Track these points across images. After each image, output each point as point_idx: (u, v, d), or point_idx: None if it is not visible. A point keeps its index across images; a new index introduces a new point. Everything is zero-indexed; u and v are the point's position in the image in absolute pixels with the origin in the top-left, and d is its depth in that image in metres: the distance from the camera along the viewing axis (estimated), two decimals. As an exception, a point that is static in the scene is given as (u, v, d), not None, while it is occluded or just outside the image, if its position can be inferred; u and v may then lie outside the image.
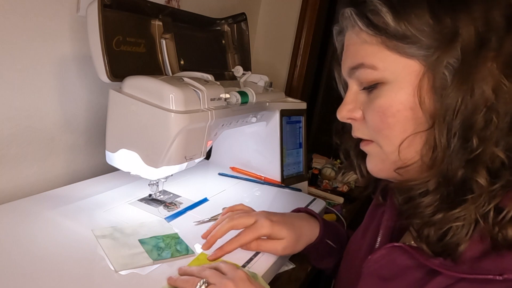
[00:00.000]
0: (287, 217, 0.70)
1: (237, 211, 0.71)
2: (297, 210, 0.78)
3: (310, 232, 0.70)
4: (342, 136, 0.60)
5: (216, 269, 0.57)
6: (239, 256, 0.65)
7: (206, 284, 0.53)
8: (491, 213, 0.42)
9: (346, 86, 0.54)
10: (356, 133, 0.52)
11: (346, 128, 0.58)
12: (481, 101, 0.41)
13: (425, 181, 0.44)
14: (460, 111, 0.41)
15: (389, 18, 0.44)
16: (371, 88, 0.48)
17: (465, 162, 0.42)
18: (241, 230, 0.67)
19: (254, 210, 0.73)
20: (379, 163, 0.51)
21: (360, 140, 0.54)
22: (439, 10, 0.43)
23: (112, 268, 0.57)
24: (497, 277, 0.40)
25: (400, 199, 0.50)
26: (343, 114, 0.52)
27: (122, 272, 0.57)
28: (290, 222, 0.68)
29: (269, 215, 0.68)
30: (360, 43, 0.47)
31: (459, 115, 0.41)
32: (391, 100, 0.46)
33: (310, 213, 0.75)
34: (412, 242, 0.52)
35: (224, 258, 0.64)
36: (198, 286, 0.53)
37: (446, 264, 0.44)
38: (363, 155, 0.56)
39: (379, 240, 0.58)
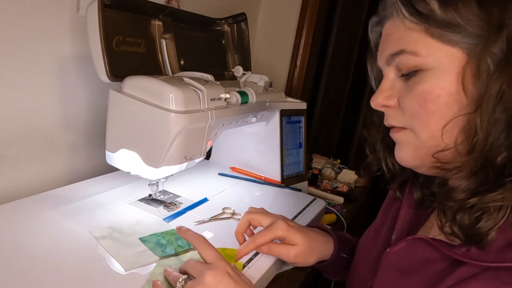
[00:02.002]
0: (304, 227, 0.70)
1: (255, 208, 0.71)
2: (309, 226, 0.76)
3: (324, 247, 0.70)
4: (369, 130, 0.60)
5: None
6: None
7: (183, 283, 0.52)
8: None
9: (379, 78, 0.54)
10: (390, 120, 0.52)
11: (373, 122, 0.59)
12: None
13: (465, 166, 0.45)
14: (503, 96, 0.42)
15: (435, 6, 0.44)
16: (410, 75, 0.48)
17: (506, 146, 0.42)
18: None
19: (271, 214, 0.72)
20: (412, 150, 0.50)
21: (387, 133, 0.54)
22: (486, 1, 0.43)
23: (121, 269, 0.57)
24: None
25: (435, 183, 0.50)
26: (379, 101, 0.51)
27: (122, 272, 0.57)
28: (306, 231, 0.68)
29: (286, 219, 0.68)
30: (404, 30, 0.47)
31: (502, 100, 0.42)
32: (433, 86, 0.46)
33: (323, 229, 0.74)
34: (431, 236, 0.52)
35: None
36: (178, 282, 0.53)
37: (470, 254, 0.44)
38: (390, 149, 0.56)
39: (394, 234, 0.58)
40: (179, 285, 0.52)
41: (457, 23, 0.44)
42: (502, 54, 0.43)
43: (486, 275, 0.42)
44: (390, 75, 0.51)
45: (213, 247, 0.56)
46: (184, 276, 0.53)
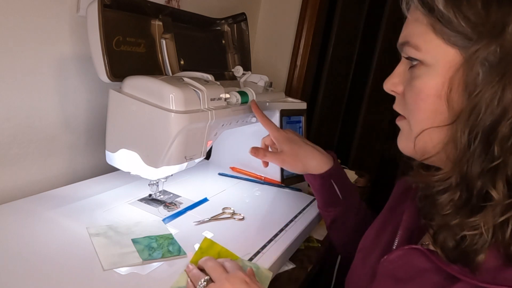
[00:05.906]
0: (301, 141, 0.81)
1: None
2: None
3: (315, 163, 0.78)
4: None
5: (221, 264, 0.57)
6: (240, 255, 0.65)
7: (205, 283, 0.54)
8: (508, 225, 0.40)
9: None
10: (396, 106, 0.53)
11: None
12: (510, 107, 0.39)
13: (444, 178, 0.44)
14: (486, 112, 0.40)
15: (440, 0, 0.43)
16: (413, 66, 0.48)
17: (485, 170, 0.41)
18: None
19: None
20: (405, 140, 0.51)
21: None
22: (492, 2, 0.41)
23: (101, 266, 0.57)
24: None
25: (420, 196, 0.50)
26: (387, 86, 0.52)
27: (122, 272, 0.57)
28: (298, 143, 0.80)
29: (290, 131, 0.83)
30: (413, 20, 0.47)
31: (484, 116, 0.40)
32: (425, 84, 0.46)
33: (333, 157, 0.82)
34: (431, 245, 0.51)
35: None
36: (199, 283, 0.54)
37: (466, 271, 0.43)
38: None
39: (397, 240, 0.57)
40: (201, 285, 0.54)
41: (456, 22, 0.42)
42: (494, 64, 0.40)
43: None
44: (404, 61, 0.51)
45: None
46: (206, 277, 0.54)
